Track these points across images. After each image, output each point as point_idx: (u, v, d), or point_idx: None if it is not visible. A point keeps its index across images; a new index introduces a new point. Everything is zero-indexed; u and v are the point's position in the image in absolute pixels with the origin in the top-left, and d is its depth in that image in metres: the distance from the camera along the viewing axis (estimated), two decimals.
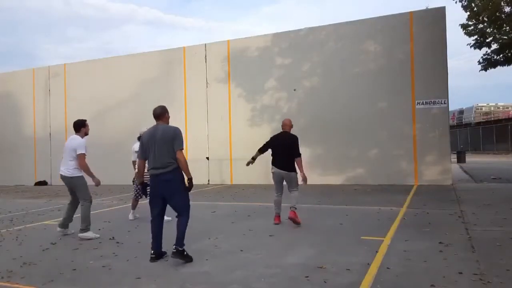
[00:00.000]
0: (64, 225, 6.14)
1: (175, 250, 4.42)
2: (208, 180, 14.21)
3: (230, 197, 10.35)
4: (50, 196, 12.14)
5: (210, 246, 5.18)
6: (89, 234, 5.85)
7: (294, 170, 6.42)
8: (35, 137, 17.30)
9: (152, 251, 4.63)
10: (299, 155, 6.45)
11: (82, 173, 5.97)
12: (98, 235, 5.89)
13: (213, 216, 7.39)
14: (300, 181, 6.40)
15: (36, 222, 7.44)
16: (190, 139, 13.94)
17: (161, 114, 4.67)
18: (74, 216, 6.19)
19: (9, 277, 4.14)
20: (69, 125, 16.59)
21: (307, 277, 3.84)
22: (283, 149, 6.55)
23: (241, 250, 4.88)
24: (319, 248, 4.90)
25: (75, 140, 5.98)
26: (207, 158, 14.19)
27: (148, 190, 4.87)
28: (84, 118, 6.41)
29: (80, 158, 5.85)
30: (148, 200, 4.91)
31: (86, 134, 6.22)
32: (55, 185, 16.27)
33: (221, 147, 14.26)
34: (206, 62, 14.58)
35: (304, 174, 6.36)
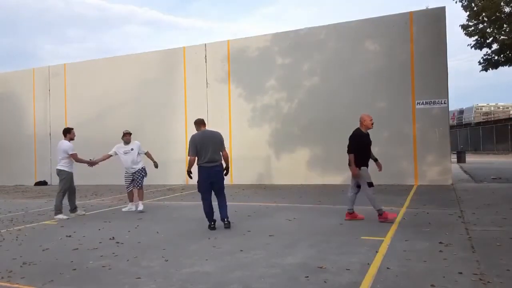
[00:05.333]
0: (72, 209, 7.97)
1: (227, 222, 6.26)
2: None
3: (230, 197, 10.29)
4: (50, 196, 12.13)
5: (210, 246, 5.17)
6: (59, 216, 7.67)
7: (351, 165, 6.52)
8: (35, 137, 17.30)
9: (212, 222, 6.26)
10: (350, 152, 6.69)
11: (70, 171, 7.82)
12: (67, 217, 7.67)
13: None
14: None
15: (36, 222, 7.44)
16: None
17: (203, 122, 6.57)
18: (76, 202, 8.08)
19: (9, 277, 4.14)
20: (69, 125, 16.55)
21: (307, 277, 3.84)
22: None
23: (241, 250, 4.88)
24: (319, 248, 4.90)
25: (63, 144, 7.81)
26: None
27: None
28: (71, 127, 8.23)
29: (73, 156, 7.77)
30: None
31: (72, 139, 7.95)
32: (55, 185, 16.25)
33: None
34: (206, 62, 14.58)
35: (353, 169, 6.57)
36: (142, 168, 8.50)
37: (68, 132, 7.95)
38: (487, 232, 5.44)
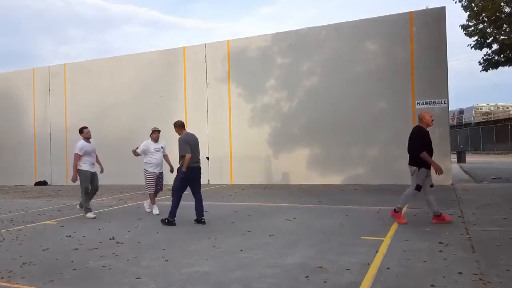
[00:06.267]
0: (81, 206, 7.96)
1: (204, 219, 6.68)
2: (208, 180, 14.20)
3: (230, 197, 10.35)
4: (50, 196, 12.14)
5: (210, 246, 5.17)
6: (88, 215, 7.68)
7: (414, 164, 6.14)
8: (35, 137, 17.29)
9: (175, 218, 6.62)
10: (422, 150, 6.02)
11: (86, 170, 7.61)
12: (94, 216, 7.65)
13: (213, 216, 7.39)
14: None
15: (36, 222, 7.44)
16: None
17: (184, 124, 6.96)
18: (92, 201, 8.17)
19: (9, 277, 4.14)
20: (69, 125, 16.61)
21: (307, 277, 3.84)
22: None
23: (241, 250, 4.88)
24: (319, 248, 4.90)
25: (76, 143, 7.75)
26: (207, 158, 14.19)
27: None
28: (84, 126, 7.93)
29: (74, 156, 7.61)
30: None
31: (87, 138, 7.77)
32: (55, 185, 16.28)
33: (221, 147, 14.26)
34: (206, 62, 14.58)
35: (436, 165, 5.97)
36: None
37: (81, 132, 7.84)
38: (487, 232, 5.44)
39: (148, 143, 8.00)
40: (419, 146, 6.03)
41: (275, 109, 13.67)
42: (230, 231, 6.05)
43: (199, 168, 6.83)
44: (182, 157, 6.56)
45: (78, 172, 7.58)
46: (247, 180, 13.66)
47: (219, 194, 11.10)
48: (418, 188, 6.12)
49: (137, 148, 8.04)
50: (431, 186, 6.22)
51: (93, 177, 7.77)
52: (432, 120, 6.29)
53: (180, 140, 6.64)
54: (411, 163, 6.19)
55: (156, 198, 8.31)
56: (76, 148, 7.63)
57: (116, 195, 11.69)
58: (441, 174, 6.03)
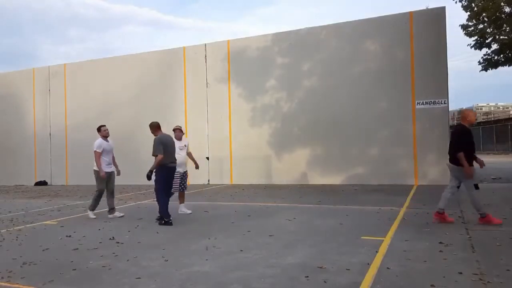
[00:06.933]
0: (110, 210, 7.76)
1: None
2: (208, 180, 14.21)
3: (230, 197, 10.35)
4: (50, 196, 12.14)
5: (210, 246, 5.17)
6: (89, 213, 7.69)
7: (457, 164, 6.06)
8: (35, 137, 17.29)
9: (171, 217, 6.72)
10: (459, 150, 6.02)
11: (103, 170, 7.53)
12: (95, 216, 7.58)
13: (213, 216, 7.39)
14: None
15: (36, 222, 7.44)
16: (190, 139, 13.93)
17: (160, 126, 7.08)
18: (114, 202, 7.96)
19: (9, 277, 4.14)
20: (69, 125, 16.63)
21: (307, 277, 3.84)
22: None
23: (241, 250, 4.88)
24: (319, 248, 4.90)
25: (95, 142, 7.70)
26: (207, 158, 14.19)
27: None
28: (102, 124, 8.00)
29: (94, 154, 7.56)
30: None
31: (105, 136, 7.75)
32: (55, 185, 16.28)
33: (221, 147, 14.26)
34: (206, 62, 14.58)
35: (468, 169, 5.89)
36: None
37: (98, 130, 7.81)
38: (487, 232, 5.44)
39: None
40: (461, 145, 6.01)
41: (275, 109, 13.68)
42: (230, 231, 6.05)
43: (175, 168, 7.07)
44: (156, 157, 6.72)
45: (95, 171, 7.58)
46: (247, 180, 13.66)
47: (219, 194, 11.10)
48: (477, 187, 6.01)
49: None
50: (458, 187, 6.20)
51: (109, 177, 7.68)
52: (476, 119, 6.18)
53: (154, 141, 6.80)
54: (455, 162, 6.11)
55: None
56: (95, 146, 7.58)
57: (116, 195, 11.66)
58: (469, 178, 5.96)
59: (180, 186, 7.69)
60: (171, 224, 6.63)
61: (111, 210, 7.75)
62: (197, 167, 8.04)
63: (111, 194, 7.79)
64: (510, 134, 32.28)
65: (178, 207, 7.81)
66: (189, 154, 7.99)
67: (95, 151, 7.53)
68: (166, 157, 6.74)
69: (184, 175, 7.76)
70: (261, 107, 13.86)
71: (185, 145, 7.82)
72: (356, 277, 3.79)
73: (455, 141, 6.16)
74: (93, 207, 7.75)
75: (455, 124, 7.22)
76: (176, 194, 7.70)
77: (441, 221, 6.12)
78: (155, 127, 7.03)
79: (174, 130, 7.87)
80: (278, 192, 11.09)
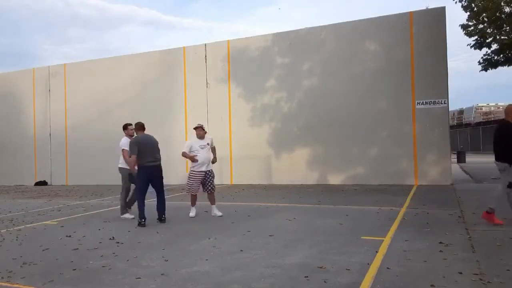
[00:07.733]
0: (124, 209, 7.54)
1: (164, 218, 6.96)
2: None
3: (230, 197, 10.35)
4: (50, 196, 12.14)
5: (210, 246, 5.17)
6: (126, 216, 7.48)
7: (502, 160, 5.91)
8: (35, 137, 17.29)
9: (145, 218, 6.69)
10: (507, 145, 5.78)
11: (125, 167, 7.37)
12: (132, 216, 7.35)
13: (213, 216, 7.39)
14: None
15: (36, 222, 7.44)
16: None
17: (144, 126, 7.16)
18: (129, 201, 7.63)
19: (9, 277, 4.14)
20: (69, 125, 16.62)
21: (307, 277, 3.83)
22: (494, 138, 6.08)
23: (241, 250, 4.88)
24: (319, 248, 4.90)
25: (120, 140, 7.62)
26: None
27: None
28: (128, 123, 7.88)
29: (122, 152, 7.42)
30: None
31: (129, 135, 7.60)
32: (55, 185, 16.28)
33: (221, 147, 14.22)
34: (206, 62, 14.58)
35: None
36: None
37: (124, 128, 7.82)
38: (487, 232, 5.44)
39: (191, 142, 7.51)
40: (506, 140, 5.79)
41: (275, 109, 13.67)
42: (230, 231, 6.05)
43: (157, 167, 7.00)
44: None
45: (120, 169, 7.57)
46: (247, 180, 13.65)
47: (219, 194, 11.07)
48: (511, 185, 5.88)
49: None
50: (510, 186, 6.01)
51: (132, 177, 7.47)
52: (508, 115, 6.00)
53: (130, 141, 7.02)
54: (501, 159, 5.92)
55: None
56: (121, 144, 7.52)
57: (116, 195, 11.67)
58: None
59: (205, 186, 7.41)
60: (143, 225, 6.60)
61: (126, 209, 7.54)
62: (213, 161, 7.68)
63: (131, 196, 7.70)
64: None
65: (211, 209, 7.56)
66: (212, 149, 7.67)
67: (123, 149, 7.40)
68: (143, 157, 6.77)
69: (208, 175, 7.41)
70: (261, 107, 13.85)
71: (207, 144, 7.48)
72: (356, 277, 3.78)
73: (502, 136, 5.90)
74: (123, 207, 7.55)
75: (497, 119, 6.99)
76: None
77: (489, 221, 5.87)
78: (137, 128, 7.14)
79: (195, 128, 7.58)
80: (278, 192, 11.09)
